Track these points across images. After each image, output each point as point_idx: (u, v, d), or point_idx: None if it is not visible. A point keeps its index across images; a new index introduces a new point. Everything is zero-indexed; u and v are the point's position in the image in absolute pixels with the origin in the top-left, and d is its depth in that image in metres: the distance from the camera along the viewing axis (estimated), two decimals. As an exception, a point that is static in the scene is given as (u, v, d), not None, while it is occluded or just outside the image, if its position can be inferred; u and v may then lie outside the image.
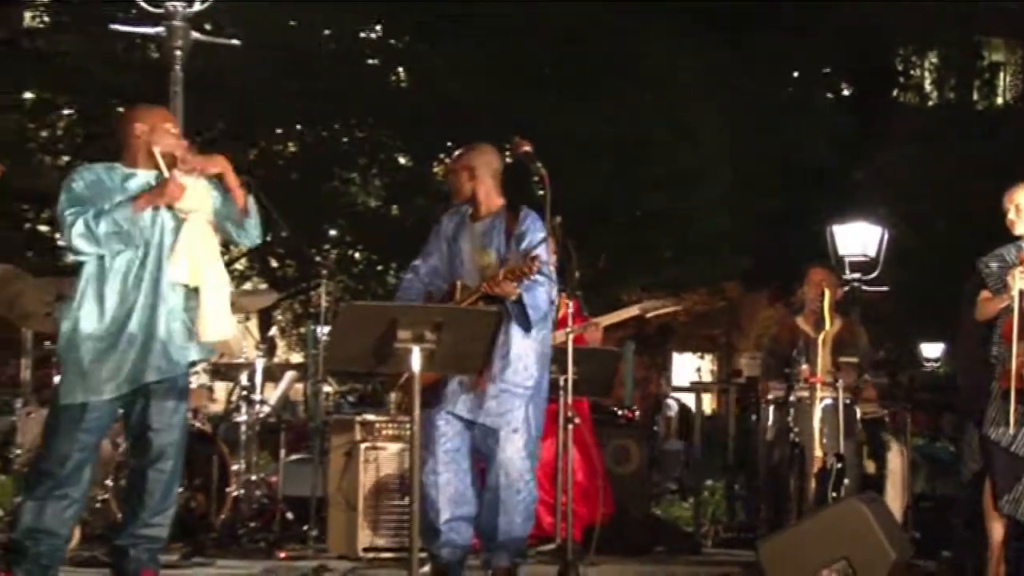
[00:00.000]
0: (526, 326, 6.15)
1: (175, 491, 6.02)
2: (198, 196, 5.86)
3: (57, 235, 5.97)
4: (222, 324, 5.94)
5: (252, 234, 6.03)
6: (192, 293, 5.86)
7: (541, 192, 6.21)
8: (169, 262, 5.80)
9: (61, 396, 5.86)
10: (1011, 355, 6.44)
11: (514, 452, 6.20)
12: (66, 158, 18.87)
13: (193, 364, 6.15)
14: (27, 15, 19.63)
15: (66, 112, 20.04)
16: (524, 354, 6.15)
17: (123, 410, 5.90)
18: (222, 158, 5.98)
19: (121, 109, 17.42)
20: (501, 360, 6.12)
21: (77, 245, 5.74)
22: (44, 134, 20.15)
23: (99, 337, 5.78)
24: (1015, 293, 6.44)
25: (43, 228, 19.47)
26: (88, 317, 5.79)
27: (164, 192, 5.74)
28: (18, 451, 7.92)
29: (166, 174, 5.78)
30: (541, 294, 6.16)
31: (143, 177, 5.87)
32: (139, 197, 5.74)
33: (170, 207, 5.81)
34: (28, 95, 19.66)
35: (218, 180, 5.89)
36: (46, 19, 19.57)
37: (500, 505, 6.22)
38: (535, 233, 6.23)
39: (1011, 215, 6.70)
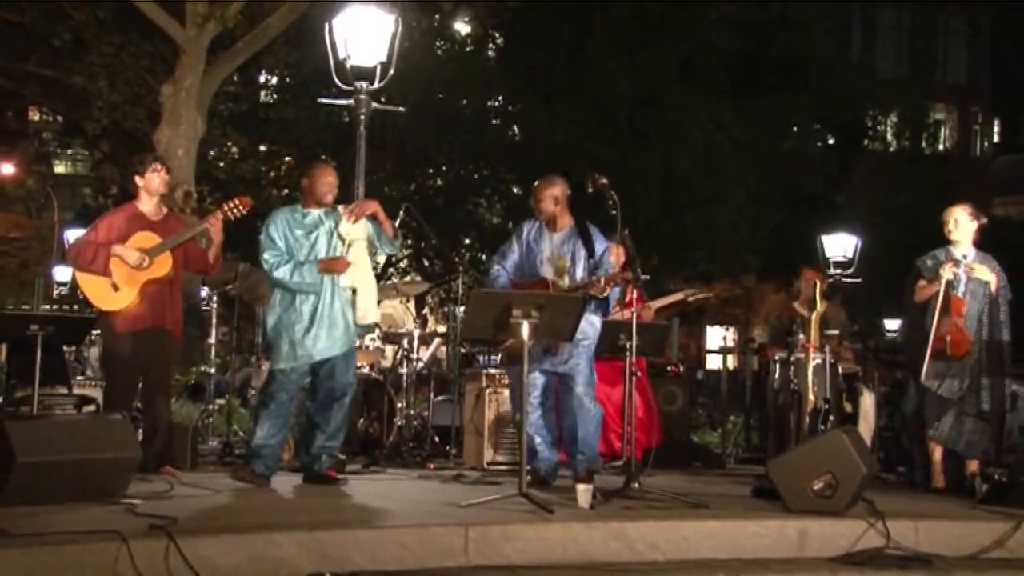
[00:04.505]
0: (604, 312, 6.33)
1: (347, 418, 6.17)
2: (359, 229, 5.98)
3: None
4: (370, 312, 6.09)
5: (394, 247, 6.26)
6: (352, 292, 5.96)
7: (614, 212, 6.12)
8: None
9: (273, 362, 5.99)
10: (936, 327, 6.46)
11: (582, 387, 6.22)
12: (286, 191, 19.08)
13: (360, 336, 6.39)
14: (262, 93, 19.94)
15: (287, 159, 20.28)
16: (587, 325, 6.08)
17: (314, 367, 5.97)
18: (375, 202, 6.12)
19: (324, 157, 17.76)
20: None
21: (275, 280, 5.90)
22: (272, 174, 20.41)
23: (294, 323, 5.89)
24: (943, 282, 6.47)
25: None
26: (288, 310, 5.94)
27: (336, 267, 5.89)
28: (252, 392, 7.99)
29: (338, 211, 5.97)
30: (614, 293, 6.38)
31: (314, 214, 5.96)
32: (322, 264, 5.87)
33: (342, 237, 5.93)
34: (262, 147, 19.94)
35: (373, 216, 6.01)
36: (275, 96, 19.88)
37: (578, 422, 6.22)
38: (600, 244, 6.24)
39: (949, 226, 6.75)
